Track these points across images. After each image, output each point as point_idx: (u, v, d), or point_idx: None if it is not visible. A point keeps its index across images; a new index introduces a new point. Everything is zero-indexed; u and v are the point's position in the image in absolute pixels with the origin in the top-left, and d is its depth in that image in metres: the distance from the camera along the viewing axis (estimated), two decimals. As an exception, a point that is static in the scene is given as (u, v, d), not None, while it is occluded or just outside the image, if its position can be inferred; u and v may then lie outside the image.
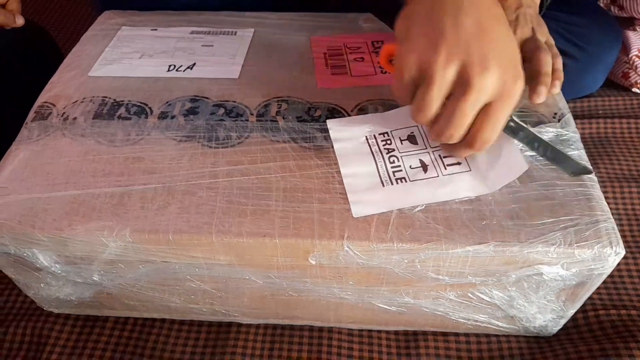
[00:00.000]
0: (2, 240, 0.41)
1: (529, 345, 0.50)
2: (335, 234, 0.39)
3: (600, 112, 0.73)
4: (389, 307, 0.46)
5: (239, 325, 0.52)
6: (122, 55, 0.54)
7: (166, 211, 0.40)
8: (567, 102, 0.49)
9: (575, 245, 0.38)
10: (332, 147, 0.44)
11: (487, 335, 0.51)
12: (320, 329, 0.52)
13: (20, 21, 0.60)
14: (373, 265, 0.41)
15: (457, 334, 0.51)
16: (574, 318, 0.51)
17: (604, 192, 0.42)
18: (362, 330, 0.52)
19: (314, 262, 0.41)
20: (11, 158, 0.45)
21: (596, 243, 0.38)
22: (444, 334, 0.51)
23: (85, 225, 0.40)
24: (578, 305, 0.45)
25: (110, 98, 0.49)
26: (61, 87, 0.51)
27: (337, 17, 0.60)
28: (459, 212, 0.40)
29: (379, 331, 0.52)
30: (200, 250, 0.40)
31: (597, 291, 0.53)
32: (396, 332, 0.52)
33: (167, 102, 0.49)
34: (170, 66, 0.53)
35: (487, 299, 0.44)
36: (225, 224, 0.40)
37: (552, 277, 0.40)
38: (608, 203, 0.41)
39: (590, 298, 0.52)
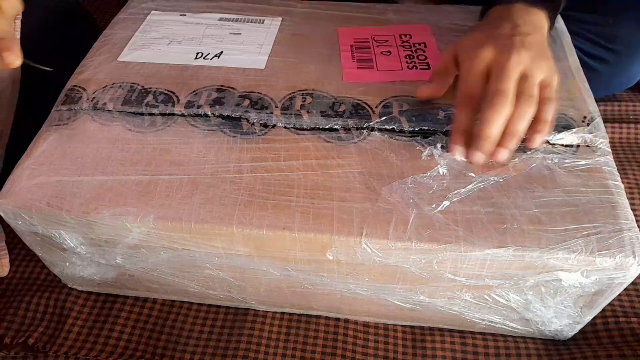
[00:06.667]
0: (31, 220, 0.43)
1: (546, 347, 0.50)
2: (354, 230, 0.39)
3: (630, 116, 0.71)
4: (403, 304, 0.46)
5: (257, 310, 0.53)
6: (151, 41, 0.55)
7: (190, 201, 0.41)
8: (597, 104, 0.48)
9: (597, 253, 0.38)
10: (354, 144, 0.44)
11: (504, 335, 0.51)
12: (337, 319, 0.52)
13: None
14: (390, 264, 0.41)
15: (472, 332, 0.51)
16: (592, 323, 0.50)
17: (630, 200, 0.41)
18: (377, 323, 0.52)
19: (331, 258, 0.41)
20: (42, 140, 0.46)
21: (618, 252, 0.38)
22: (460, 331, 0.51)
23: (111, 210, 0.41)
24: (596, 312, 0.44)
25: (138, 85, 0.50)
26: (91, 71, 0.52)
27: (366, 8, 0.60)
28: (479, 214, 0.40)
29: (395, 325, 0.52)
30: (221, 240, 0.41)
31: (618, 298, 0.52)
32: (412, 327, 0.52)
33: (194, 91, 0.49)
34: (198, 54, 0.53)
35: (504, 301, 0.43)
36: (246, 216, 0.40)
37: (571, 284, 0.40)
38: (634, 210, 0.41)
39: (610, 304, 0.51)
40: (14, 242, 0.59)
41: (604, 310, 0.51)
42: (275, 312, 0.53)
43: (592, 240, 0.38)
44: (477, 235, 0.39)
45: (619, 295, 0.53)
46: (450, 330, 0.51)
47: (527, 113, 0.40)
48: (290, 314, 0.53)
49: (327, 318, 0.53)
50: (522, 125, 0.40)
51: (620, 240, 0.38)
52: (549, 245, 0.38)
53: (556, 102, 0.42)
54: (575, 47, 0.54)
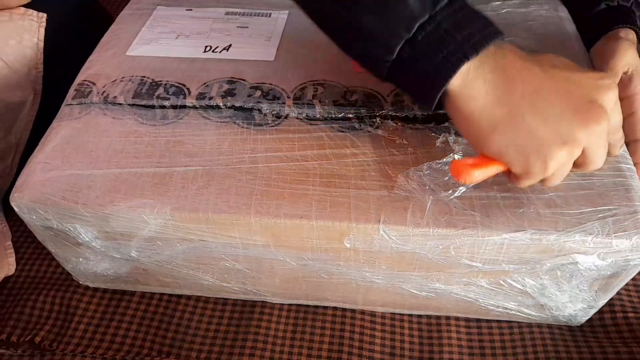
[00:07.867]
0: (46, 214, 0.42)
1: (553, 340, 0.50)
2: (371, 217, 0.40)
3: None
4: (418, 292, 0.46)
5: (264, 305, 0.53)
6: (159, 35, 0.55)
7: (206, 192, 0.41)
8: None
9: (613, 235, 0.38)
10: (367, 133, 0.45)
11: (510, 327, 0.51)
12: (344, 315, 0.52)
13: None
14: (407, 251, 0.41)
15: (479, 325, 0.51)
16: (601, 317, 0.51)
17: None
18: (385, 314, 0.52)
19: (348, 246, 0.41)
20: (53, 135, 0.46)
21: (635, 233, 0.38)
22: (467, 325, 0.51)
23: (127, 203, 0.41)
24: (610, 295, 0.45)
25: (148, 78, 0.50)
26: (100, 66, 0.52)
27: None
28: (495, 199, 0.40)
29: (402, 317, 0.52)
30: (238, 230, 0.41)
31: (628, 294, 0.53)
32: (419, 321, 0.52)
33: (204, 83, 0.49)
34: (206, 47, 0.53)
35: (519, 286, 0.44)
36: (263, 205, 0.40)
37: (587, 266, 0.40)
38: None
39: (620, 300, 0.52)
40: (20, 241, 0.59)
41: (613, 305, 0.51)
42: (283, 306, 0.53)
43: (608, 223, 0.39)
44: (494, 220, 0.39)
45: (629, 291, 0.53)
46: (457, 325, 0.51)
47: None
48: (298, 308, 0.53)
49: (335, 314, 0.52)
50: None
51: (636, 222, 0.39)
52: (566, 228, 0.38)
53: None
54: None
